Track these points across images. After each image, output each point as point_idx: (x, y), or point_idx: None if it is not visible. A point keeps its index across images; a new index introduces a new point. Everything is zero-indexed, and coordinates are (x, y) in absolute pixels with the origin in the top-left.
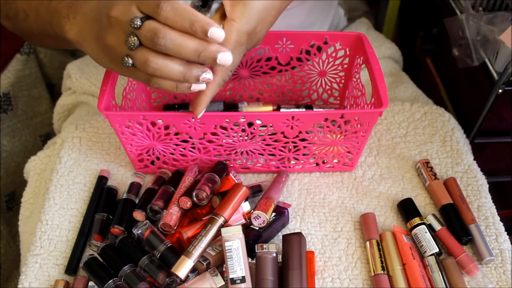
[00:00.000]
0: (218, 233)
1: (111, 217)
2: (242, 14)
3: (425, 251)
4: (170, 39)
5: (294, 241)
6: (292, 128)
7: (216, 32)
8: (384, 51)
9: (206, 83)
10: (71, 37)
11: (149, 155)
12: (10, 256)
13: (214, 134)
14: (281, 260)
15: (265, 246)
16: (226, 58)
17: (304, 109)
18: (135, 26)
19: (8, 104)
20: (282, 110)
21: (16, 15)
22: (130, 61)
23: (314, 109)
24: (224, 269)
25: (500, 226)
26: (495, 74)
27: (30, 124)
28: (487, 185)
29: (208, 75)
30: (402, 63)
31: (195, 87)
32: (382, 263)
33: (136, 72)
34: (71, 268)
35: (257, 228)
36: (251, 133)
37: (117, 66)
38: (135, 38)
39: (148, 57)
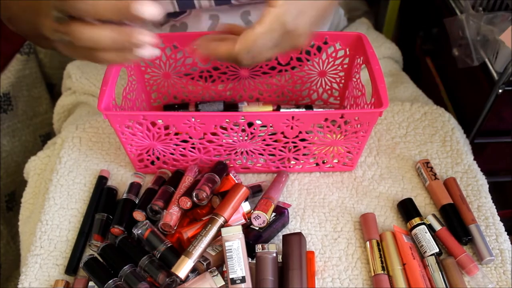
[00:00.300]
0: (218, 233)
1: (111, 217)
2: (284, 2)
3: (425, 251)
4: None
5: (294, 241)
6: (292, 128)
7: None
8: (384, 51)
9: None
10: (45, 33)
11: (149, 155)
12: (10, 256)
13: (214, 134)
14: (281, 260)
15: (265, 246)
16: (148, 9)
17: (304, 109)
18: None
19: (8, 104)
20: (282, 110)
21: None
22: (59, 36)
23: (314, 109)
24: (224, 269)
25: (500, 226)
26: (495, 74)
27: (30, 124)
28: (487, 185)
29: (143, 36)
30: (402, 63)
31: (142, 52)
32: (382, 263)
33: (75, 49)
34: (71, 268)
35: (257, 228)
36: (251, 133)
37: (62, 46)
38: (55, 11)
39: (70, 27)
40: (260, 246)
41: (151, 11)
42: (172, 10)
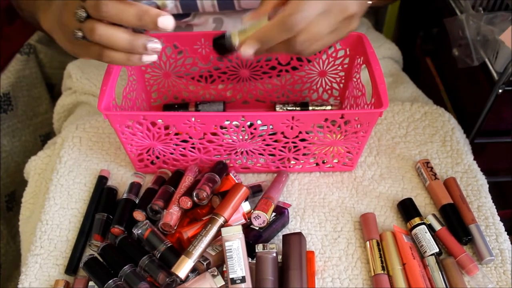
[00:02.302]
0: (218, 233)
1: (111, 217)
2: None
3: (425, 251)
4: (112, 4)
5: (294, 241)
6: (292, 128)
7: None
8: (384, 51)
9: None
10: (45, 27)
11: (149, 155)
12: (10, 256)
13: (214, 134)
14: (281, 260)
15: (267, 245)
16: (166, 22)
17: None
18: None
19: (8, 104)
20: (278, 109)
21: None
22: (80, 34)
23: (310, 108)
24: (224, 269)
25: (500, 226)
26: (495, 74)
27: (30, 124)
28: (487, 185)
29: (155, 44)
30: (402, 63)
31: (146, 58)
32: (382, 263)
33: (89, 47)
34: (71, 268)
35: (257, 228)
36: (251, 133)
37: (74, 45)
38: (83, 10)
39: (94, 25)
40: (261, 245)
41: (171, 24)
42: (175, 12)
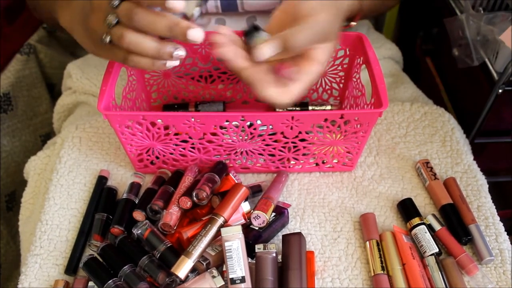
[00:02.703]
0: (218, 233)
1: (111, 217)
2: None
3: (425, 251)
4: (145, 14)
5: (294, 241)
6: (291, 128)
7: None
8: (385, 52)
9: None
10: (63, 25)
11: (149, 155)
12: (10, 256)
13: (214, 134)
14: (280, 260)
15: (267, 245)
16: (196, 34)
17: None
18: (114, 5)
19: (8, 104)
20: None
21: None
22: (108, 38)
23: (310, 107)
24: (224, 269)
25: (500, 226)
26: (495, 74)
27: (30, 124)
28: (487, 185)
29: (180, 51)
30: (402, 63)
31: (170, 63)
32: (382, 263)
33: (114, 50)
34: (71, 268)
35: (257, 228)
36: (251, 133)
37: (98, 47)
38: (113, 16)
39: (123, 32)
40: (262, 245)
41: (200, 37)
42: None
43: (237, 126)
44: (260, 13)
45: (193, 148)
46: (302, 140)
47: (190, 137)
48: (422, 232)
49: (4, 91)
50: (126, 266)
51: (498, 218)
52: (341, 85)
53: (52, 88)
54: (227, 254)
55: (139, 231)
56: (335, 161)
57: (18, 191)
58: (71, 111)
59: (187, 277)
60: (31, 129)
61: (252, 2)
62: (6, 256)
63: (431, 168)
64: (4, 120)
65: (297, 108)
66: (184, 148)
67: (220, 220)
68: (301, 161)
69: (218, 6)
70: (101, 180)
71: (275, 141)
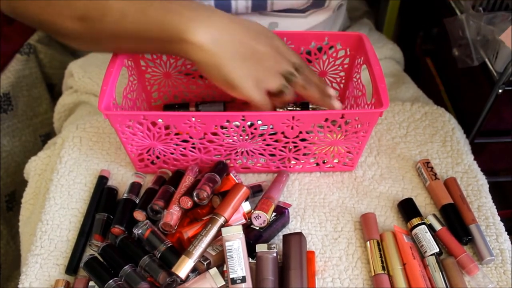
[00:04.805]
0: (218, 233)
1: (112, 217)
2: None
3: (426, 251)
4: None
5: (294, 241)
6: (292, 128)
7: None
8: (386, 52)
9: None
10: (199, 39)
11: (150, 155)
12: (10, 256)
13: (214, 134)
14: (281, 260)
15: (271, 245)
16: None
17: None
18: (291, 78)
19: (8, 104)
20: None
21: (103, 15)
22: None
23: (310, 107)
24: (224, 269)
25: (501, 226)
26: (495, 74)
27: (30, 124)
28: (487, 185)
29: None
30: (403, 64)
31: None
32: (382, 263)
33: (267, 97)
34: (72, 268)
35: (257, 228)
36: (252, 133)
37: (256, 90)
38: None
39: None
40: (265, 245)
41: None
42: None
43: (237, 126)
44: (283, 17)
45: (194, 148)
46: (303, 140)
47: (190, 137)
48: (422, 232)
49: (4, 91)
50: (126, 266)
51: (499, 218)
52: (341, 85)
53: (52, 88)
54: (227, 254)
55: (140, 231)
56: (335, 161)
57: (18, 191)
58: (72, 110)
59: (187, 277)
60: (31, 129)
61: (282, 2)
62: (6, 256)
63: (432, 168)
64: (4, 120)
65: (298, 108)
66: (184, 148)
67: (221, 220)
68: (302, 161)
69: (249, 6)
70: (102, 180)
71: (276, 141)
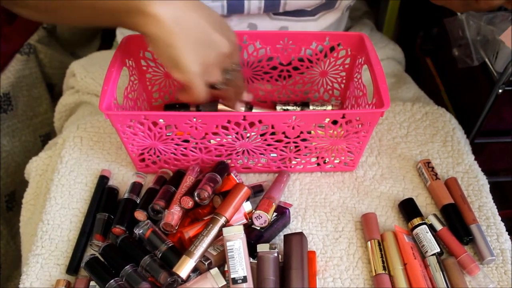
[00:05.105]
0: (219, 233)
1: (113, 217)
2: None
3: (426, 251)
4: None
5: (295, 241)
6: (293, 128)
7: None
8: (388, 52)
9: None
10: (159, 13)
11: (150, 155)
12: (10, 256)
13: (215, 134)
14: (282, 260)
15: (274, 245)
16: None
17: (299, 108)
18: (226, 76)
19: (8, 104)
20: (279, 109)
21: None
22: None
23: (311, 107)
24: (225, 269)
25: (501, 226)
26: (495, 74)
27: (30, 124)
28: (488, 185)
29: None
30: (405, 64)
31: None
32: (383, 263)
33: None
34: (73, 268)
35: (258, 228)
36: (252, 133)
37: (199, 62)
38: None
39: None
40: (268, 245)
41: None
42: (219, 13)
43: (238, 126)
44: (294, 21)
45: (195, 147)
46: (304, 140)
47: (192, 137)
48: (423, 232)
49: (4, 91)
50: (127, 266)
51: (499, 218)
52: (342, 85)
53: (52, 88)
54: (228, 254)
55: (141, 231)
56: (336, 161)
57: (18, 191)
58: (73, 110)
59: (188, 277)
60: (31, 129)
61: (295, 2)
62: (6, 256)
63: (432, 168)
64: (4, 120)
65: (299, 108)
66: (185, 148)
67: (222, 220)
68: (303, 161)
69: (262, 6)
70: (103, 180)
71: (277, 141)
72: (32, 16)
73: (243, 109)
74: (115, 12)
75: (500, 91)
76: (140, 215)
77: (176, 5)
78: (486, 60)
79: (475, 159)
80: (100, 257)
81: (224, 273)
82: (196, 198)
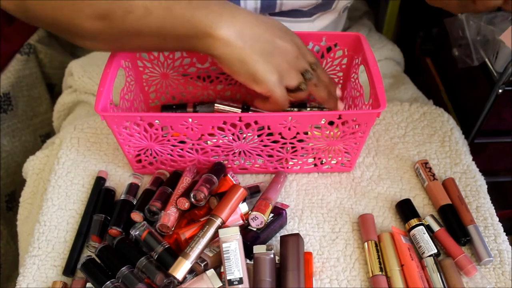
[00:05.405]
0: (215, 234)
1: (109, 218)
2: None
3: (424, 252)
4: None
5: (292, 242)
6: (289, 129)
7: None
8: (387, 53)
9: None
10: (225, 34)
11: (147, 156)
12: (10, 256)
13: (211, 135)
14: (278, 261)
15: (270, 246)
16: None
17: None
18: (307, 76)
19: (8, 104)
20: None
21: (126, 12)
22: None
23: (308, 108)
24: (221, 271)
25: (499, 227)
26: (495, 74)
27: (30, 124)
28: (486, 186)
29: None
30: (403, 65)
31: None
32: (380, 264)
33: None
34: (69, 269)
35: (255, 229)
36: (249, 134)
37: (272, 71)
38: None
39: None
40: (264, 246)
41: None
42: None
43: (234, 127)
44: (290, 17)
45: (191, 148)
46: (300, 140)
47: (188, 138)
48: (420, 233)
49: (4, 91)
50: (124, 267)
51: (497, 219)
52: (339, 86)
53: (52, 88)
54: (224, 255)
55: (137, 232)
56: (333, 161)
57: (18, 191)
58: (71, 110)
59: (184, 278)
60: (31, 129)
61: (291, 2)
62: (6, 256)
63: (430, 168)
64: (4, 120)
65: (295, 109)
66: (182, 149)
67: (218, 221)
68: (300, 162)
69: (258, 6)
70: (99, 181)
71: (274, 141)
72: (100, 47)
73: (341, 106)
74: (183, 38)
75: (500, 91)
76: (136, 216)
77: (238, 23)
78: (486, 60)
79: (475, 159)
80: (96, 258)
81: (220, 275)
82: (192, 200)
